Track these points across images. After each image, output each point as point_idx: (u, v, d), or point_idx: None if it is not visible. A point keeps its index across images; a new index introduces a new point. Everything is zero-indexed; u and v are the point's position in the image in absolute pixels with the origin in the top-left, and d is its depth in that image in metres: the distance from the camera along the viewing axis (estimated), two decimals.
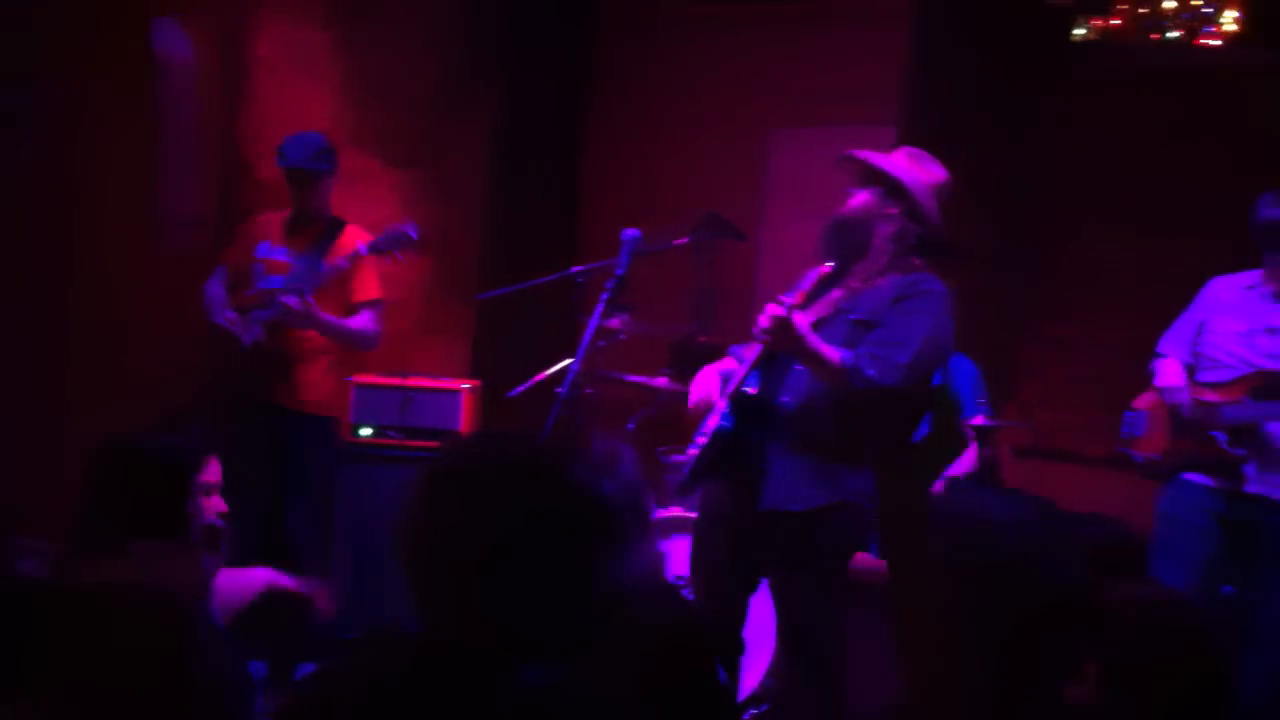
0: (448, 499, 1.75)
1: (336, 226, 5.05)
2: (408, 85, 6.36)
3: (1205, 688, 2.13)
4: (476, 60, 6.60)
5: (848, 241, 3.74)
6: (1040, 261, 6.15)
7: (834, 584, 3.74)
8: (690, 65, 6.92)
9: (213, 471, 3.08)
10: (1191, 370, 4.47)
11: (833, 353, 3.60)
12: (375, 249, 4.86)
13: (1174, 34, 6.01)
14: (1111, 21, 6.11)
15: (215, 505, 3.07)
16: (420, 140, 6.48)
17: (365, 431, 5.49)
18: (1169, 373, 4.48)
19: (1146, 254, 5.94)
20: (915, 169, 3.80)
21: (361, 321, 5.01)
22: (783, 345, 3.61)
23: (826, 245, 3.78)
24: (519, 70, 6.75)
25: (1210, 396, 4.35)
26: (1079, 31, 6.10)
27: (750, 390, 3.76)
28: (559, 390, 4.02)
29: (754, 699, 4.72)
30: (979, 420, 5.30)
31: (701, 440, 3.81)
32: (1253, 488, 4.25)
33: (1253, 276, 4.46)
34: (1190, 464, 4.33)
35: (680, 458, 5.43)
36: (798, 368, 3.69)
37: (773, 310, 3.56)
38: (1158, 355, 4.58)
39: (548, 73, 6.92)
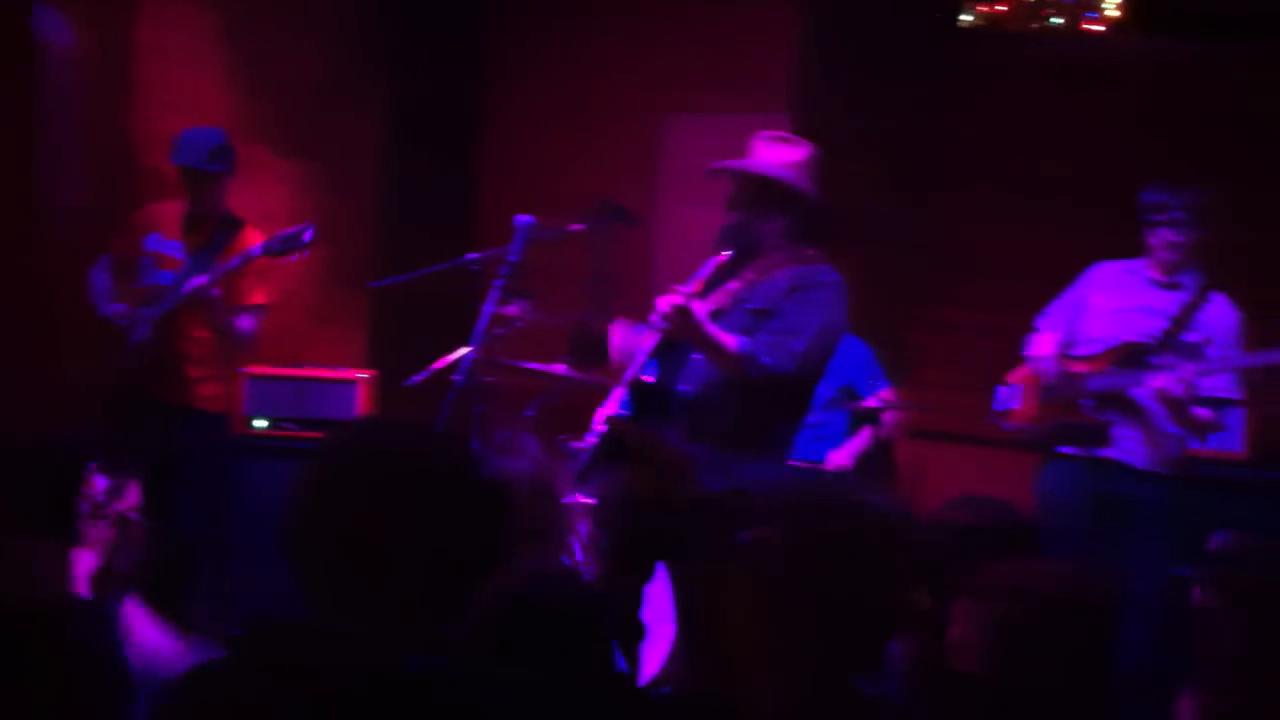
0: (331, 488, 1.74)
1: (233, 226, 4.94)
2: (297, 72, 6.27)
3: (1087, 657, 2.18)
4: (368, 46, 6.54)
5: (740, 243, 3.80)
6: (932, 246, 6.25)
7: (728, 572, 3.77)
8: (586, 51, 6.92)
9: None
10: (1067, 346, 4.66)
11: (730, 340, 3.65)
12: (269, 251, 4.73)
13: (1058, 20, 6.14)
14: (998, 7, 6.22)
15: (130, 500, 3.04)
16: (311, 128, 6.39)
17: (260, 423, 5.42)
18: (1039, 344, 4.70)
19: (1034, 239, 6.06)
20: (781, 156, 3.83)
21: (245, 324, 4.92)
22: (681, 333, 3.65)
23: (721, 246, 3.82)
24: (412, 57, 6.70)
25: (1080, 368, 4.57)
26: (966, 18, 6.20)
27: (648, 379, 3.78)
28: (455, 379, 4.02)
29: (655, 683, 4.75)
30: (873, 402, 5.39)
31: (600, 429, 3.84)
32: (1116, 453, 4.46)
33: (1137, 263, 4.68)
34: (1059, 431, 4.53)
35: (578, 444, 5.45)
36: (695, 356, 3.74)
37: (671, 299, 3.59)
38: (1034, 330, 4.74)
39: (441, 59, 6.87)
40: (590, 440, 3.90)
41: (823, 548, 2.06)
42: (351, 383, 5.48)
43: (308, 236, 4.71)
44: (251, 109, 6.12)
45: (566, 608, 2.28)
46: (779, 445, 3.88)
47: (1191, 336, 4.47)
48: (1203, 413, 4.41)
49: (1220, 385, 4.43)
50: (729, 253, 3.74)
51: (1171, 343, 4.46)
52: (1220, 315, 4.53)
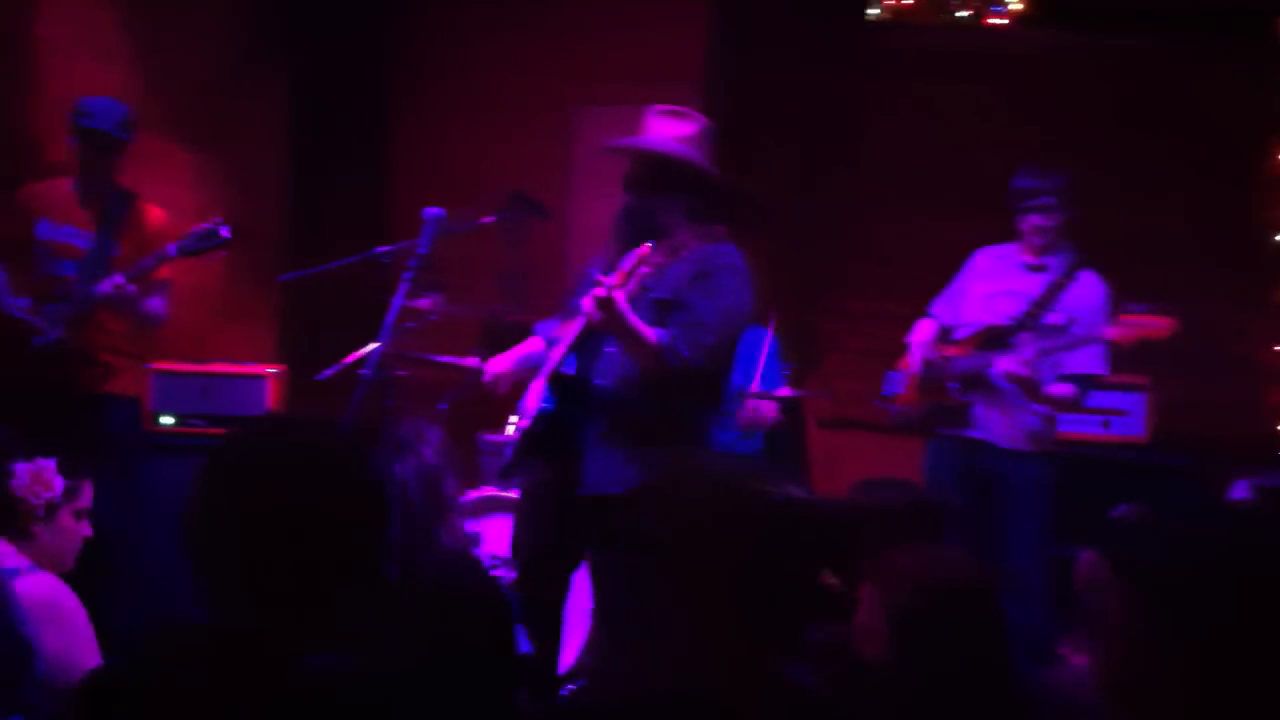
0: (226, 486, 1.72)
1: (128, 200, 4.82)
2: (199, 64, 6.18)
3: (981, 640, 2.23)
4: (273, 38, 6.45)
5: (640, 225, 3.74)
6: (839, 237, 6.32)
7: (651, 565, 3.78)
8: (497, 43, 6.89)
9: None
10: (949, 331, 4.83)
11: (650, 332, 3.65)
12: (184, 251, 4.60)
13: (963, 14, 6.22)
14: (904, 1, 6.28)
15: (84, 501, 3.03)
16: (216, 121, 6.30)
17: (166, 420, 5.34)
18: (919, 330, 4.86)
19: (938, 229, 6.14)
20: (674, 131, 3.80)
21: (156, 305, 4.83)
22: (606, 325, 3.64)
23: (621, 232, 3.80)
24: (321, 48, 6.63)
25: (950, 351, 4.74)
26: (873, 11, 6.27)
27: (568, 372, 3.78)
28: (363, 373, 3.98)
29: (571, 675, 4.76)
30: (781, 391, 5.43)
31: (524, 422, 3.84)
32: (981, 433, 4.63)
33: (1011, 247, 4.86)
34: (932, 414, 4.73)
35: (495, 438, 5.44)
36: (609, 349, 3.74)
37: (597, 290, 3.57)
38: (925, 316, 4.85)
39: (351, 50, 6.80)
40: (514, 434, 3.91)
41: (734, 534, 2.08)
42: (260, 378, 5.41)
43: (225, 233, 4.59)
44: (153, 101, 6.01)
45: (464, 593, 2.28)
46: (696, 435, 3.88)
47: (1054, 317, 4.61)
48: (1063, 389, 4.56)
49: (1085, 362, 4.57)
50: (650, 245, 3.62)
51: (1031, 324, 4.60)
52: (1085, 294, 4.66)
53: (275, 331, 6.44)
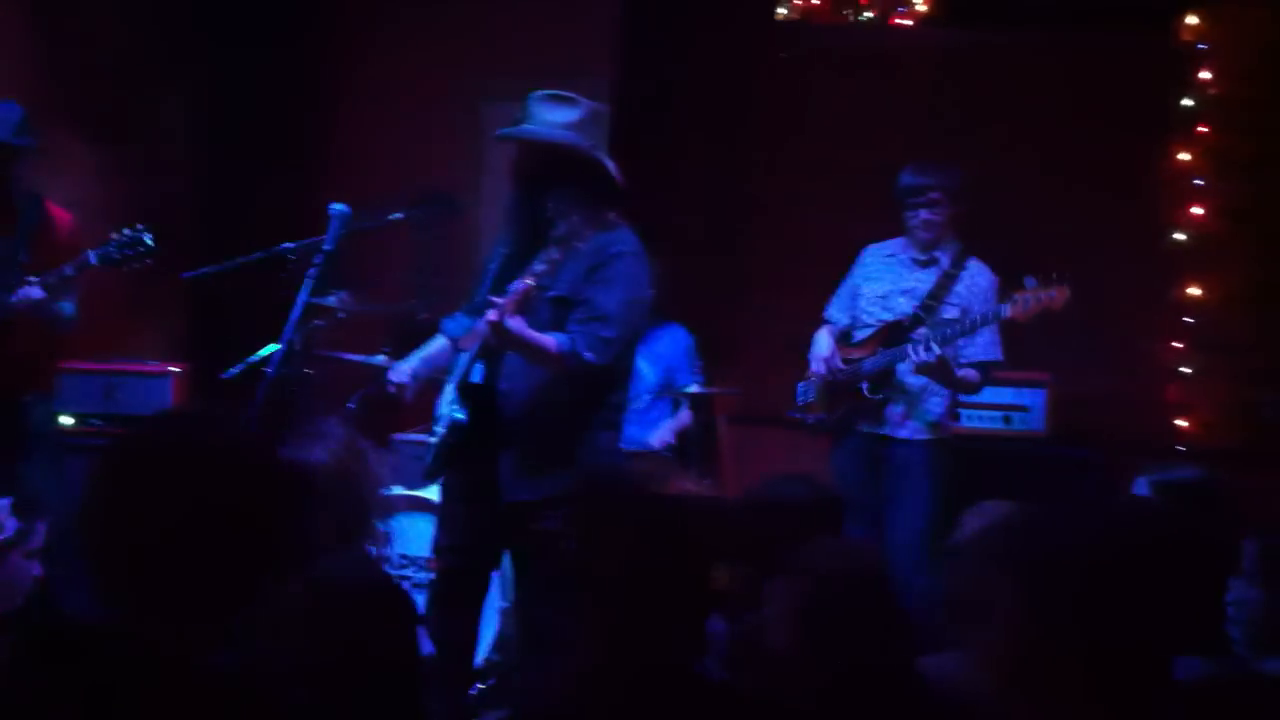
0: (120, 485, 1.70)
1: (34, 204, 4.72)
2: (108, 56, 6.07)
3: (884, 628, 2.26)
4: (184, 30, 6.35)
5: (532, 219, 3.74)
6: (749, 233, 6.36)
7: (565, 567, 3.80)
8: (411, 38, 6.84)
9: None
10: (848, 334, 4.91)
11: (550, 341, 3.67)
12: (106, 259, 4.49)
13: (869, 15, 6.28)
14: (812, 1, 6.34)
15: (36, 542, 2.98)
16: (124, 114, 6.20)
17: (67, 420, 5.23)
18: (818, 342, 4.94)
19: (846, 227, 6.20)
20: (558, 117, 3.78)
21: (68, 308, 4.72)
22: (504, 347, 3.68)
23: (515, 224, 3.81)
24: (230, 39, 6.53)
25: (855, 354, 4.82)
26: (781, 10, 6.31)
27: (475, 380, 3.78)
28: (267, 370, 3.94)
29: (480, 674, 4.75)
30: (693, 387, 5.47)
31: (440, 430, 3.86)
32: (886, 428, 4.73)
33: (895, 244, 4.94)
34: (848, 416, 4.78)
35: (405, 437, 5.41)
36: (512, 355, 3.74)
37: (490, 316, 3.58)
38: (824, 321, 4.91)
39: (262, 43, 6.71)
40: (431, 441, 3.92)
41: (629, 533, 2.09)
42: (164, 377, 5.34)
43: (149, 240, 4.44)
44: (60, 94, 5.90)
45: (365, 592, 2.27)
46: (604, 430, 3.89)
47: (949, 310, 4.70)
48: (967, 374, 4.67)
49: (983, 349, 4.69)
50: (532, 281, 3.60)
51: (928, 318, 4.70)
52: (974, 283, 4.76)
53: (182, 328, 6.34)
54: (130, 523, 1.68)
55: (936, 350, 4.48)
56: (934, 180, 4.77)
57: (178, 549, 1.67)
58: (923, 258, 4.84)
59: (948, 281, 4.76)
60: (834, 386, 4.85)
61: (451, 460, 3.85)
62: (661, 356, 5.59)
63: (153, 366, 5.41)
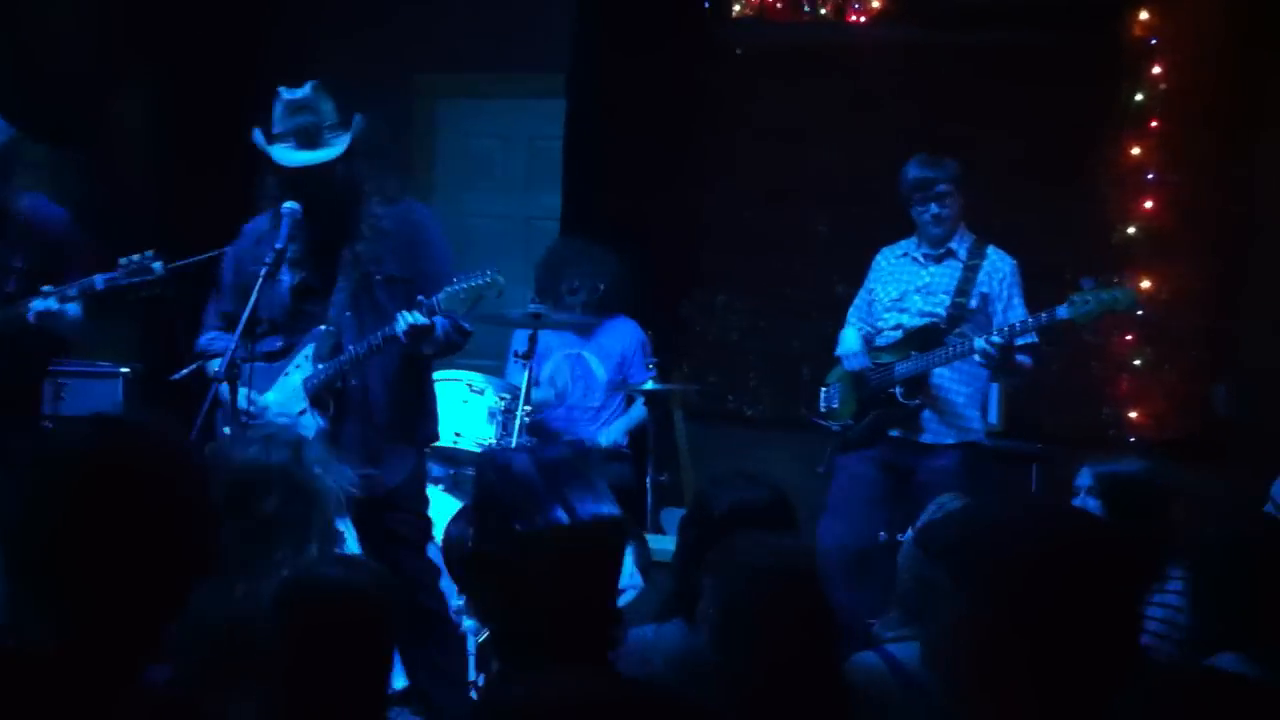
0: (39, 492, 1.67)
1: (22, 204, 4.55)
2: (61, 59, 6.00)
3: (808, 627, 2.26)
4: (136, 28, 6.29)
5: (326, 206, 3.87)
6: (704, 229, 6.36)
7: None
8: (363, 33, 6.80)
9: None
10: (871, 338, 4.81)
11: (439, 329, 3.85)
12: (112, 284, 4.25)
13: (824, 11, 6.28)
14: None
15: None
16: (77, 114, 6.13)
17: None
18: (846, 341, 4.83)
19: (801, 222, 6.23)
20: (319, 135, 3.87)
21: (74, 310, 4.45)
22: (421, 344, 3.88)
23: (309, 221, 3.86)
24: (185, 42, 6.47)
25: (885, 359, 4.72)
26: (737, 7, 6.31)
27: (320, 380, 3.93)
28: (217, 372, 3.89)
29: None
30: (648, 384, 5.46)
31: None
32: (928, 438, 4.64)
33: (907, 244, 4.87)
34: (879, 423, 4.64)
35: None
36: (355, 351, 3.89)
37: (415, 325, 3.77)
38: (844, 324, 4.88)
39: (215, 45, 6.65)
40: None
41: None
42: (114, 378, 5.28)
43: (158, 267, 4.20)
44: (11, 97, 5.83)
45: (335, 595, 2.25)
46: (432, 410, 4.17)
47: (974, 301, 4.65)
48: (1022, 358, 4.57)
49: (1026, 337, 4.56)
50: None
51: (961, 314, 4.63)
52: (995, 270, 4.71)
53: (137, 330, 6.28)
54: (51, 533, 1.65)
55: (998, 340, 4.38)
56: (940, 173, 4.72)
57: (101, 559, 1.64)
58: (935, 252, 4.77)
59: (971, 274, 4.68)
60: (863, 391, 4.75)
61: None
62: (612, 353, 5.58)
63: (102, 368, 5.34)
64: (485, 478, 1.93)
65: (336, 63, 6.03)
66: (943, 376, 4.64)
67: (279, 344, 4.00)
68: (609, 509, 1.89)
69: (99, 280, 4.28)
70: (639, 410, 5.58)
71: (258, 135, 3.97)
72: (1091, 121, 5.91)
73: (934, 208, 4.72)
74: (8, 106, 5.68)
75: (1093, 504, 3.50)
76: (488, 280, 3.89)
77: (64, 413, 5.15)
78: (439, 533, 4.79)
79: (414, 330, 3.81)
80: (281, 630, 2.15)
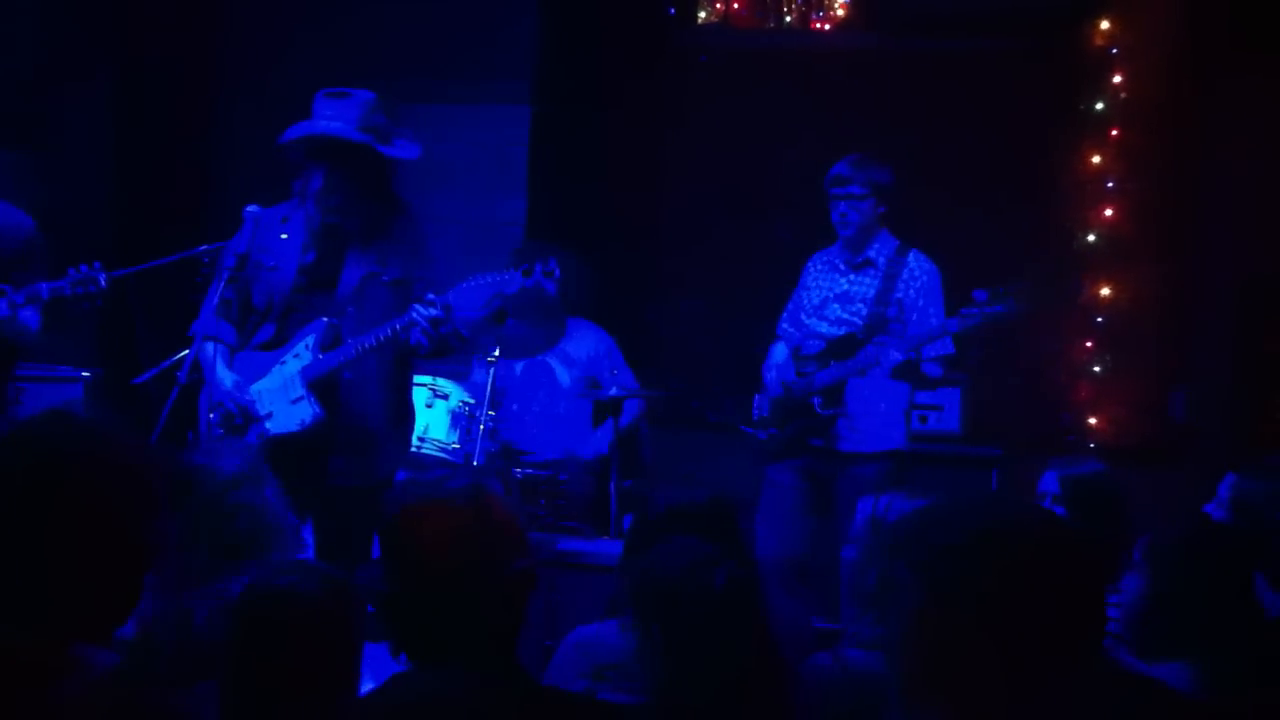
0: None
1: None
2: (13, 56, 5.95)
3: (721, 630, 2.25)
4: (91, 29, 6.25)
5: (344, 212, 3.95)
6: (675, 237, 6.37)
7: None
8: (327, 37, 6.76)
9: None
10: (799, 348, 4.77)
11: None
12: (56, 294, 4.24)
13: (789, 19, 6.32)
14: (733, 5, 6.37)
15: None
16: (31, 116, 6.08)
17: None
18: (773, 354, 4.82)
19: (765, 228, 6.24)
20: (339, 112, 3.96)
21: (30, 317, 4.42)
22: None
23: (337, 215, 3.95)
24: (145, 42, 6.43)
25: (808, 368, 4.68)
26: (702, 14, 6.34)
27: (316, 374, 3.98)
28: (179, 376, 3.88)
29: None
30: (615, 391, 5.45)
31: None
32: (847, 446, 4.60)
33: (834, 250, 4.82)
34: (801, 433, 4.63)
35: None
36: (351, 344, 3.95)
37: (433, 321, 3.85)
38: (776, 338, 4.87)
39: (174, 45, 6.62)
40: None
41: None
42: (74, 382, 5.24)
43: (103, 281, 4.21)
44: None
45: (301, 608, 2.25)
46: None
47: (893, 309, 4.56)
48: (931, 370, 4.54)
49: (938, 345, 4.51)
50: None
51: (879, 323, 4.57)
52: (913, 278, 4.60)
53: (95, 333, 6.23)
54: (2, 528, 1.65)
55: (907, 354, 4.36)
56: (856, 173, 4.60)
57: (49, 556, 1.64)
58: (856, 260, 4.68)
59: (890, 282, 4.59)
60: (787, 401, 4.69)
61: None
62: (579, 360, 5.57)
63: (63, 372, 5.30)
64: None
65: (299, 67, 6.07)
66: (860, 387, 4.57)
67: (270, 332, 4.05)
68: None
69: (44, 289, 4.26)
70: (606, 418, 5.57)
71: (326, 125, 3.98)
72: (1052, 129, 5.96)
73: (841, 207, 4.61)
74: None
75: (1058, 509, 3.52)
76: (505, 279, 3.92)
77: (23, 417, 5.11)
78: None
79: (434, 322, 3.85)
80: (235, 636, 2.15)
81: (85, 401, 5.23)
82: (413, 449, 4.98)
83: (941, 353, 4.52)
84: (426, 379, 5.11)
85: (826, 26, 6.29)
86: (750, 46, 6.32)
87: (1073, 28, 5.98)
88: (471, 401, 5.10)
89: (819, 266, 4.83)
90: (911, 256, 4.63)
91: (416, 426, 4.99)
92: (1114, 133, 5.91)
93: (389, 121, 4.10)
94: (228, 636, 2.15)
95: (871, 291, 4.62)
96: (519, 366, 5.58)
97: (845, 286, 4.70)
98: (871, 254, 4.66)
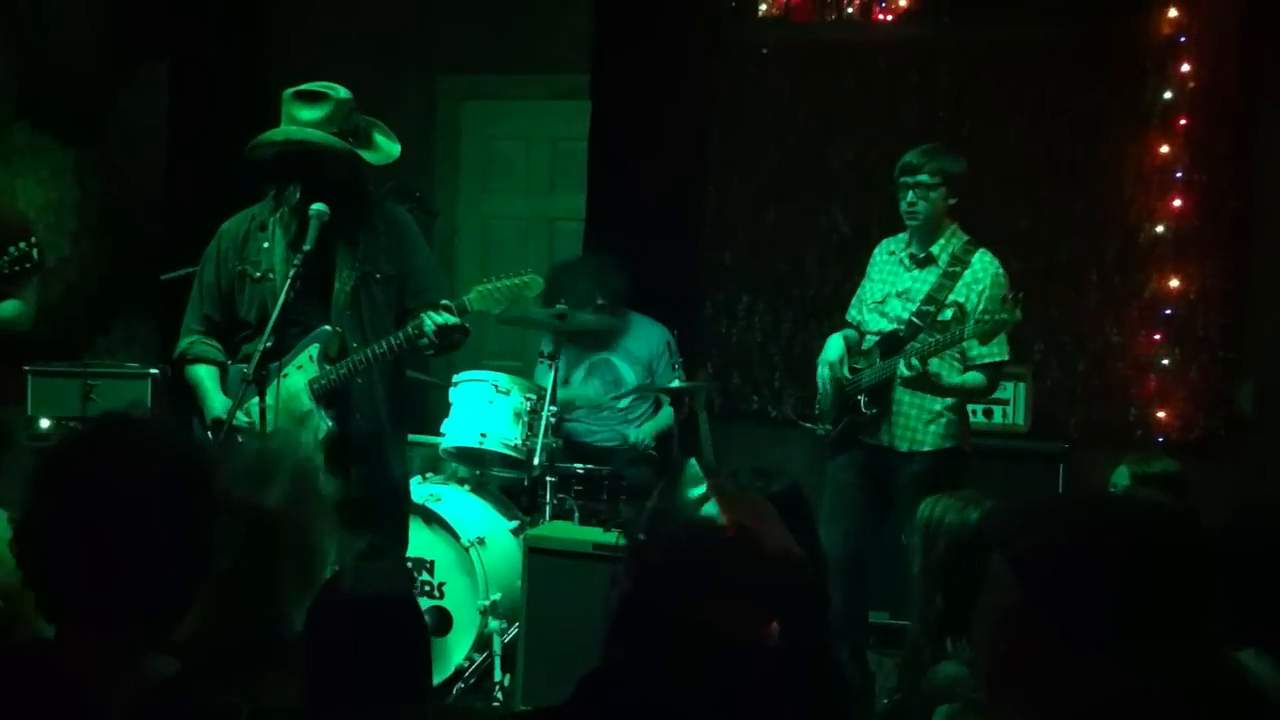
0: (56, 490, 1.68)
1: None
2: (75, 57, 6.03)
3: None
4: (148, 30, 6.31)
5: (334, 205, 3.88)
6: (729, 229, 6.34)
7: None
8: (378, 33, 6.80)
9: None
10: (858, 342, 4.70)
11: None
12: None
13: (850, 10, 6.26)
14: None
15: None
16: (92, 114, 6.16)
17: (45, 424, 5.20)
18: (828, 347, 4.71)
19: (825, 223, 6.20)
20: (308, 115, 3.90)
21: (8, 309, 4.52)
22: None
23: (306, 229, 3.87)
24: (195, 42, 6.48)
25: (860, 364, 4.61)
26: (763, 7, 6.30)
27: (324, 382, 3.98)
28: (245, 372, 3.90)
29: (460, 673, 4.76)
30: (674, 384, 5.45)
31: None
32: (900, 444, 4.51)
33: (899, 240, 4.69)
34: (851, 430, 4.58)
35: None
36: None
37: (444, 326, 3.87)
38: (846, 323, 4.81)
39: (230, 42, 6.67)
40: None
41: None
42: (142, 379, 5.30)
43: (36, 255, 4.29)
44: (28, 94, 5.87)
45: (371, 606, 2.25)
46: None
47: (949, 311, 4.41)
48: (972, 378, 4.42)
49: (987, 350, 4.38)
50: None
51: (927, 323, 4.45)
52: (980, 280, 4.44)
53: (158, 329, 6.31)
54: (61, 531, 1.66)
55: (917, 366, 4.25)
56: (927, 161, 4.46)
57: (107, 557, 1.64)
58: (920, 255, 4.54)
59: (948, 281, 4.45)
60: (839, 396, 4.61)
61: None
62: (640, 356, 5.57)
63: (131, 369, 5.37)
64: None
65: (358, 65, 6.11)
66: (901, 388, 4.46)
67: (267, 345, 3.88)
68: None
69: None
70: (667, 414, 5.58)
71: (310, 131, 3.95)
72: (1119, 119, 5.88)
73: (910, 196, 4.47)
74: (26, 104, 5.73)
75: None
76: (524, 280, 3.92)
77: (90, 414, 5.18)
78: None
79: (442, 330, 3.84)
80: (315, 646, 2.15)
81: (153, 397, 5.28)
82: (475, 445, 5.02)
83: (992, 359, 4.40)
84: (488, 375, 5.13)
85: (889, 18, 6.21)
86: (809, 38, 6.26)
87: (1138, 16, 5.89)
88: (533, 398, 5.11)
89: (884, 257, 4.71)
90: (976, 258, 4.48)
91: (480, 423, 5.03)
92: (1182, 122, 5.82)
93: (364, 118, 4.04)
94: (309, 643, 2.15)
95: (925, 290, 4.51)
96: (582, 364, 5.59)
97: (907, 283, 4.57)
98: (936, 250, 4.52)
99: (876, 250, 4.78)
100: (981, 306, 4.36)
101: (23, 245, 4.29)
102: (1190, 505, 3.58)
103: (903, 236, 4.65)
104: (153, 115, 6.44)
